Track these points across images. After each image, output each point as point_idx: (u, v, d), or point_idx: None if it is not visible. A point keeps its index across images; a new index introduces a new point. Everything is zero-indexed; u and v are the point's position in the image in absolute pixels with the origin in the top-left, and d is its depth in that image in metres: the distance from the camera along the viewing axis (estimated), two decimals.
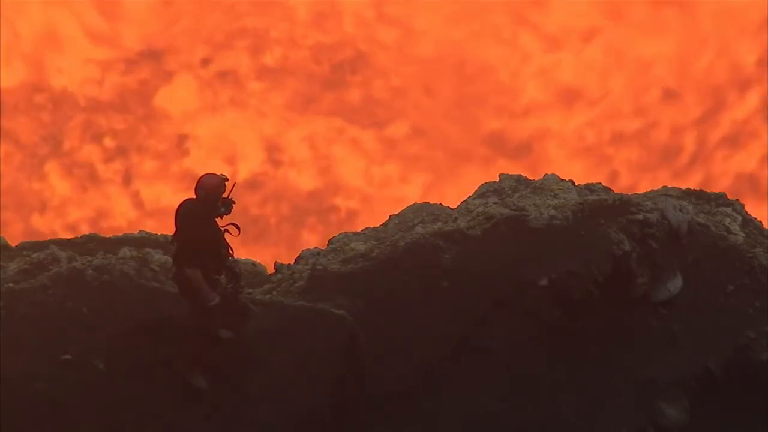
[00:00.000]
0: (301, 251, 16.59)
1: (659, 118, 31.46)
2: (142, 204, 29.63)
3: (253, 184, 30.37)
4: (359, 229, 17.20)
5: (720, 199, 18.29)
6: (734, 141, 31.60)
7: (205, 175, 13.62)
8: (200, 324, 13.77)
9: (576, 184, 17.75)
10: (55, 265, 14.97)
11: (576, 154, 31.60)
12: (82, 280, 14.60)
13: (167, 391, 13.73)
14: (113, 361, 13.75)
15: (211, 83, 30.52)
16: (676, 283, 16.32)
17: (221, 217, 13.76)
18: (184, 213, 13.59)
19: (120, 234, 17.27)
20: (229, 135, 30.80)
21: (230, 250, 13.87)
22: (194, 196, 13.62)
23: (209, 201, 13.54)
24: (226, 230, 13.76)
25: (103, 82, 30.22)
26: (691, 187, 18.57)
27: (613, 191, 17.90)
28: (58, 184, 29.54)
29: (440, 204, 17.48)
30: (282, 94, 31.04)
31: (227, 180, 13.66)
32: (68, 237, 17.02)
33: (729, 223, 17.51)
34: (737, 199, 18.37)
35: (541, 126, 31.47)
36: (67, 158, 29.63)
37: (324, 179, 30.88)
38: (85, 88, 30.12)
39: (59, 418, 13.33)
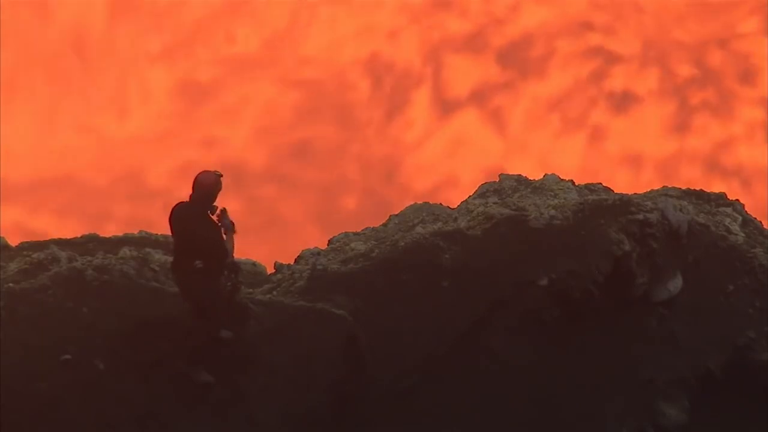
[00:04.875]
0: (301, 251, 16.60)
1: None
2: None
3: None
4: (359, 229, 17.22)
5: (720, 199, 18.28)
6: None
7: (203, 173, 13.65)
8: (201, 323, 13.82)
9: (576, 183, 17.75)
10: (55, 265, 14.97)
11: None
12: (82, 280, 14.60)
13: (167, 391, 13.74)
14: (113, 360, 13.76)
15: None
16: (676, 283, 16.32)
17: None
18: (186, 217, 13.59)
19: (120, 234, 17.28)
20: None
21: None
22: (189, 197, 13.67)
23: (206, 199, 13.59)
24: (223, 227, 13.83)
25: None
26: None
27: (613, 191, 17.89)
28: None
29: (440, 204, 17.48)
30: None
31: (221, 176, 13.71)
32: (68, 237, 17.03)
33: (729, 223, 17.50)
34: (737, 199, 18.36)
35: None
36: None
37: None
38: None
39: (59, 418, 13.33)
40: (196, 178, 13.62)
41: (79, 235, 17.02)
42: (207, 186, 13.60)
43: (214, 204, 13.70)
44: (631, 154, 31.39)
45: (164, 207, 14.69)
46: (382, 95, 31.22)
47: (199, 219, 13.57)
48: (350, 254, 16.07)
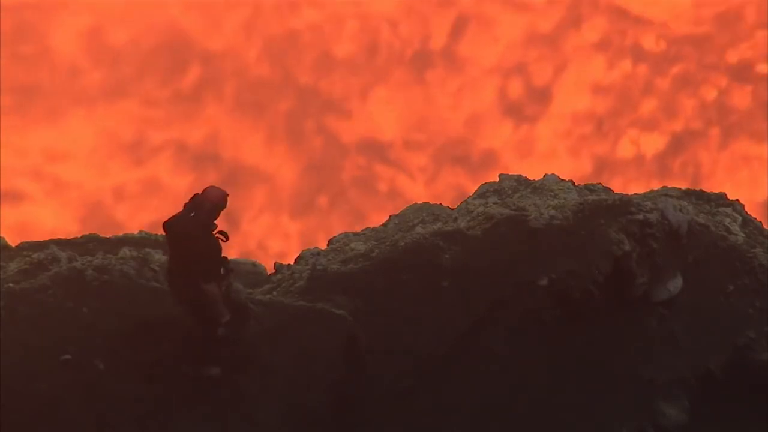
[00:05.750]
0: (301, 251, 16.61)
1: None
2: None
3: None
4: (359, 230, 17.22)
5: (720, 199, 18.29)
6: None
7: (209, 187, 13.70)
8: (202, 327, 13.84)
9: (576, 184, 17.76)
10: (55, 265, 14.97)
11: None
12: (82, 280, 14.59)
13: (167, 391, 13.74)
14: (113, 360, 13.76)
15: None
16: (676, 283, 16.32)
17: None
18: (188, 229, 13.58)
19: (120, 234, 17.28)
20: None
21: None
22: (185, 207, 13.67)
23: (212, 213, 13.61)
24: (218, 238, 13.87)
25: None
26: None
27: (613, 191, 17.90)
28: None
29: (440, 204, 17.48)
30: None
31: (227, 195, 13.78)
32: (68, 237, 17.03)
33: (729, 223, 17.51)
34: (737, 200, 18.37)
35: None
36: None
37: None
38: None
39: (59, 418, 13.33)
40: (205, 192, 13.66)
41: (79, 236, 17.05)
42: (216, 200, 13.64)
43: (215, 222, 13.76)
44: None
45: None
46: None
47: (203, 231, 13.58)
48: (350, 254, 16.07)
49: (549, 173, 17.73)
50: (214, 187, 13.79)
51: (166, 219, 13.75)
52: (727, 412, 15.88)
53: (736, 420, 15.87)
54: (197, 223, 13.58)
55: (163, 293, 14.56)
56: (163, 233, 13.81)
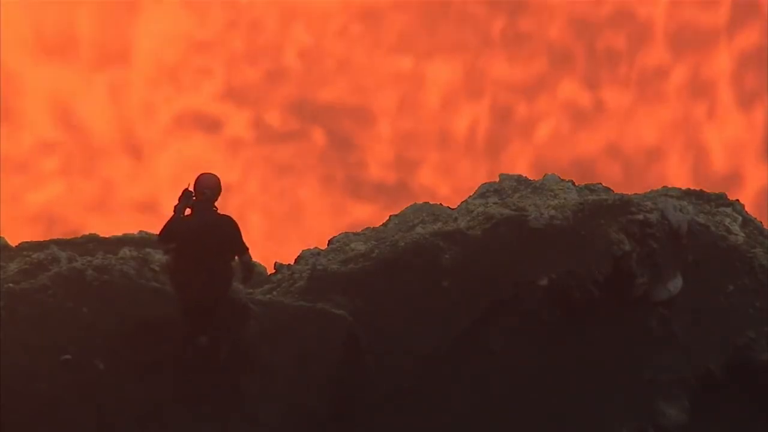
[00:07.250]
0: (301, 251, 16.60)
1: None
2: None
3: None
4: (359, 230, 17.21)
5: (720, 199, 18.27)
6: None
7: (205, 175, 13.69)
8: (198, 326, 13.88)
9: (576, 184, 17.75)
10: (55, 265, 14.96)
11: None
12: (82, 280, 14.59)
13: (167, 391, 13.75)
14: (113, 360, 13.76)
15: None
16: (676, 283, 16.31)
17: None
18: (208, 217, 13.57)
19: (120, 234, 17.29)
20: None
21: None
22: (181, 200, 13.68)
23: (215, 199, 13.68)
24: None
25: None
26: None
27: (613, 191, 17.89)
28: None
29: (440, 204, 17.47)
30: None
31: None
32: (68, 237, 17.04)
33: (729, 224, 17.49)
34: (737, 200, 18.36)
35: None
36: None
37: None
38: None
39: (59, 418, 13.33)
40: (201, 181, 13.64)
41: (79, 235, 17.06)
42: (215, 185, 13.68)
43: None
44: None
45: None
46: None
47: (223, 220, 13.62)
48: (350, 254, 16.06)
49: (549, 173, 17.72)
50: (208, 174, 13.77)
51: (163, 228, 13.74)
52: (727, 412, 15.88)
53: (736, 420, 15.88)
54: (211, 208, 13.65)
55: (163, 293, 14.58)
56: (167, 241, 13.78)
